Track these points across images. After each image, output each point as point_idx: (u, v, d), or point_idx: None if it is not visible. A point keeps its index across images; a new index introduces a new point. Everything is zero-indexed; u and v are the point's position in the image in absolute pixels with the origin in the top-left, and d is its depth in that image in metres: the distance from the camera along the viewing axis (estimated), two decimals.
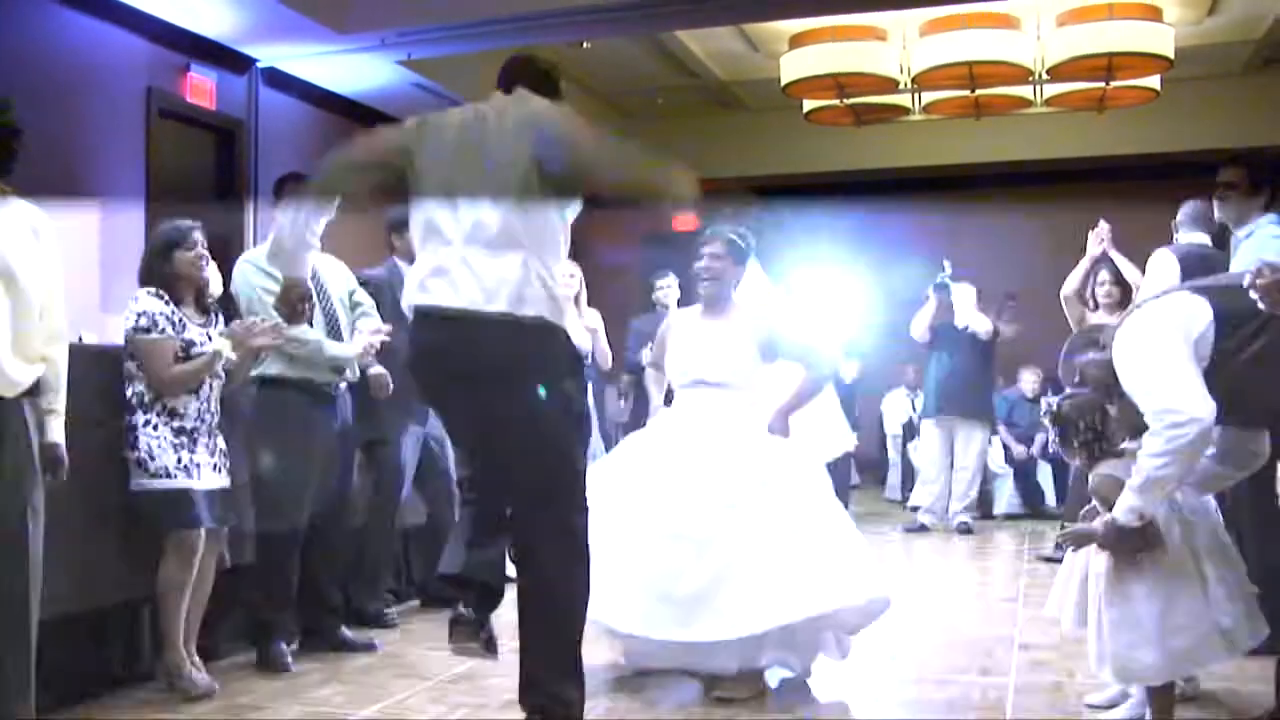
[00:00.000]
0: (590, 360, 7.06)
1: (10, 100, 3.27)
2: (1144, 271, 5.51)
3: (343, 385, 5.03)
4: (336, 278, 5.16)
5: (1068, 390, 3.81)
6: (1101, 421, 3.66)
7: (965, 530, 8.84)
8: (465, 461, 4.58)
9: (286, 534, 4.76)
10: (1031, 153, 11.43)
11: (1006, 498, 10.09)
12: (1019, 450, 9.95)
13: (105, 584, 4.31)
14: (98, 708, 4.15)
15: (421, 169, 3.50)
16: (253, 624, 4.85)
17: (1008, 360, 9.92)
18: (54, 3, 6.54)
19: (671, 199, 3.85)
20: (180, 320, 4.35)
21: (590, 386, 7.30)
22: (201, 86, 7.61)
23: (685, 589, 4.12)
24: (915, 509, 9.26)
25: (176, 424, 4.30)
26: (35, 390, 3.31)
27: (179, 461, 4.27)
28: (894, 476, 11.45)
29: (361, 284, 5.36)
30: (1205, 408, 3.30)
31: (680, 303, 7.63)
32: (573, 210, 3.69)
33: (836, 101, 9.71)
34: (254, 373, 4.72)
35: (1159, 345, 3.45)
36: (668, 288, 7.95)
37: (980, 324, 8.69)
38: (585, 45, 9.62)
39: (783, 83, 9.37)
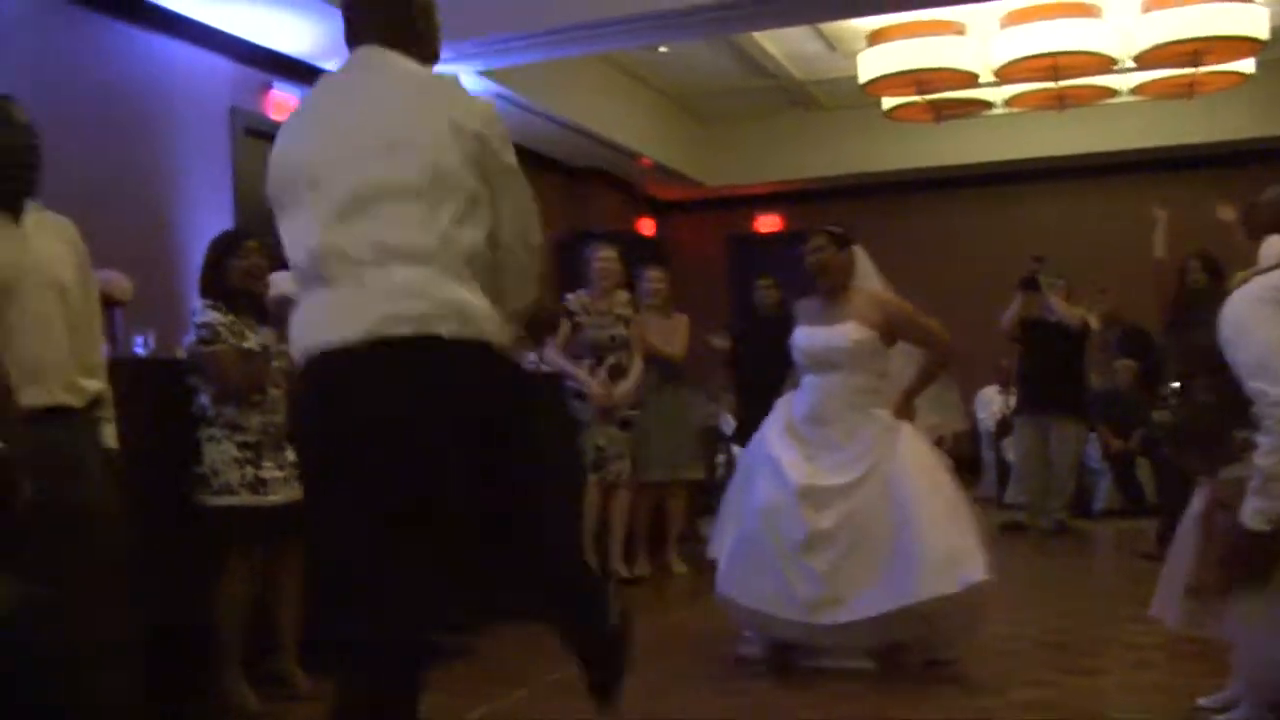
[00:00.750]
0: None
1: (18, 121, 3.26)
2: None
3: None
4: None
5: (1172, 386, 3.73)
6: (1217, 425, 3.55)
7: (1062, 528, 8.66)
8: None
9: None
10: (1118, 143, 11.25)
11: (1105, 494, 9.87)
12: (1116, 445, 9.74)
13: (168, 600, 4.27)
14: None
15: None
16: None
17: (1102, 353, 9.73)
18: (136, 28, 6.64)
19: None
20: (239, 329, 4.37)
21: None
22: (284, 103, 7.69)
23: (819, 570, 4.37)
24: (1011, 507, 9.09)
25: (240, 438, 4.31)
26: (96, 401, 3.37)
27: (243, 478, 4.28)
28: (988, 475, 11.28)
29: None
30: None
31: (778, 304, 7.77)
32: None
33: (916, 98, 9.60)
34: None
35: (1261, 321, 3.35)
36: (767, 288, 7.95)
37: (1071, 318, 8.53)
38: (662, 50, 9.62)
39: (861, 81, 9.29)
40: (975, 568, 4.26)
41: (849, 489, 4.45)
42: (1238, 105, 10.29)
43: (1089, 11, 8.60)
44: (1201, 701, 3.91)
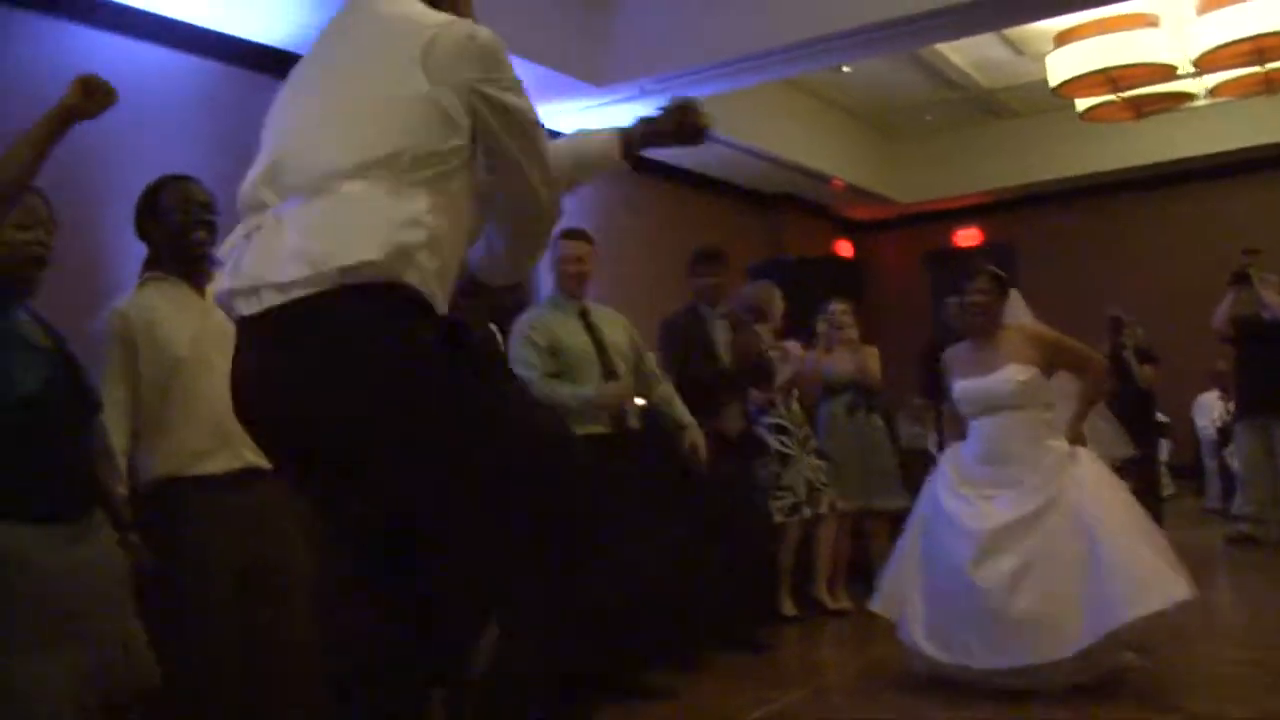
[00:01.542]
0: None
1: (199, 199, 3.47)
2: None
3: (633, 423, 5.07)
4: (615, 328, 5.20)
5: None
6: None
7: None
8: None
9: None
10: None
11: None
12: None
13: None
14: None
15: None
16: None
17: None
18: None
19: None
20: None
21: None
22: None
23: (1014, 612, 4.30)
24: (1238, 519, 8.68)
25: None
26: None
27: None
28: (1213, 485, 10.80)
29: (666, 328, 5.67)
30: None
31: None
32: None
33: (1112, 96, 9.29)
34: None
35: None
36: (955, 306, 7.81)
37: None
38: (845, 70, 9.57)
39: (1052, 84, 9.06)
40: (1179, 586, 4.15)
41: (1032, 520, 4.41)
42: None
43: None
44: None
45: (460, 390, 2.10)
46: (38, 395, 2.75)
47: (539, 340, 4.90)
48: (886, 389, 7.39)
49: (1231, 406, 9.49)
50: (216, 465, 3.33)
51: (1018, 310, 4.98)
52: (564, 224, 4.21)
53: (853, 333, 7.15)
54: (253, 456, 3.31)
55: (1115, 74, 8.76)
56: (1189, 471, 11.23)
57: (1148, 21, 8.58)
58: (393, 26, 2.24)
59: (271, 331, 2.10)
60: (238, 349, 2.21)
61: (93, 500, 2.92)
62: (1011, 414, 4.68)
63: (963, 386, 4.83)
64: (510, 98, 2.22)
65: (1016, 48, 9.62)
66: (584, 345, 4.94)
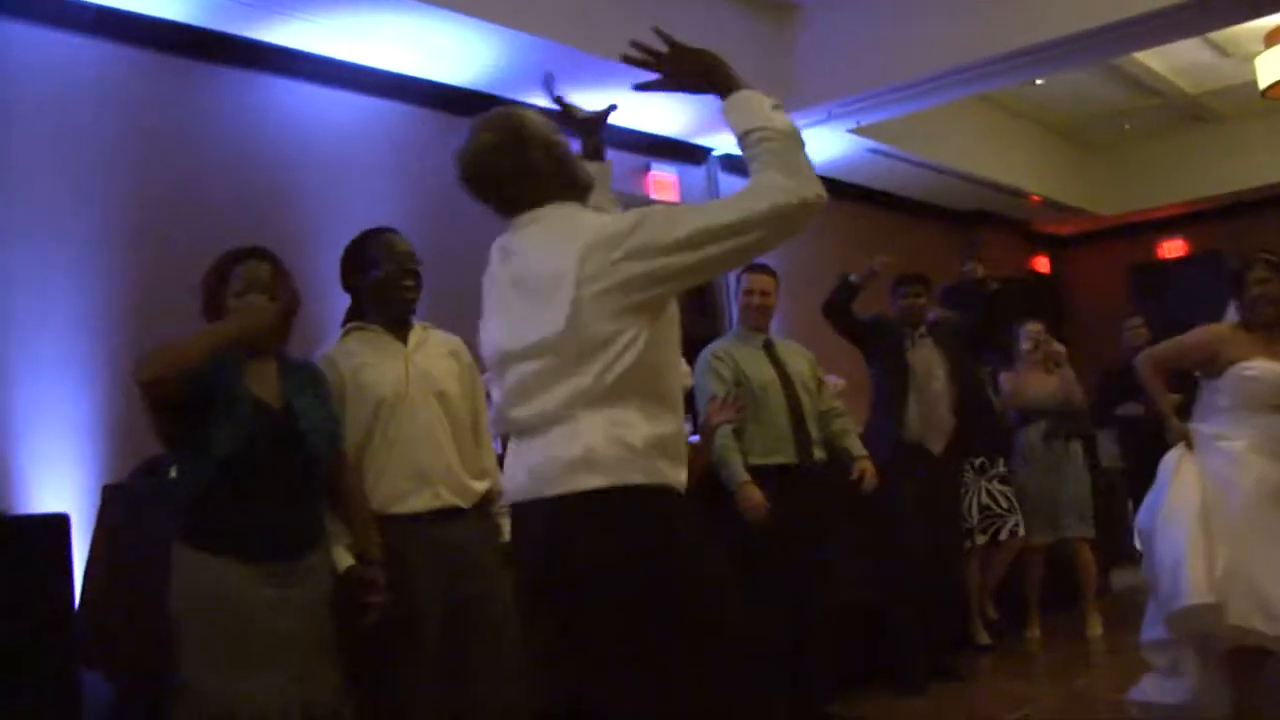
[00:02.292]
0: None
1: (400, 250, 3.60)
2: None
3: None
4: (798, 360, 5.23)
5: None
6: None
7: None
8: None
9: None
10: None
11: None
12: None
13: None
14: None
15: None
16: None
17: None
18: None
19: None
20: None
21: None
22: (664, 182, 7.97)
23: None
24: None
25: None
26: (486, 499, 3.62)
27: None
28: None
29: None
30: None
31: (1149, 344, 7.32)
32: None
33: None
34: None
35: None
36: (1136, 329, 7.52)
37: None
38: (1038, 82, 9.33)
39: (1261, 86, 8.67)
40: None
41: None
42: None
43: None
44: None
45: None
46: (228, 458, 2.97)
47: (724, 372, 4.99)
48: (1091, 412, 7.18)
49: None
50: (417, 504, 3.44)
51: None
52: None
53: (1056, 349, 6.95)
54: (450, 496, 3.44)
55: None
56: None
57: None
58: None
59: None
60: None
61: (307, 545, 3.09)
62: None
63: (1262, 366, 4.41)
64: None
65: (1222, 50, 9.24)
66: (769, 377, 4.99)
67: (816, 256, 8.73)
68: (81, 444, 4.70)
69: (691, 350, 5.20)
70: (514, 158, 2.53)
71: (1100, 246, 12.68)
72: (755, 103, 2.43)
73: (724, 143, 8.18)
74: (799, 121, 7.86)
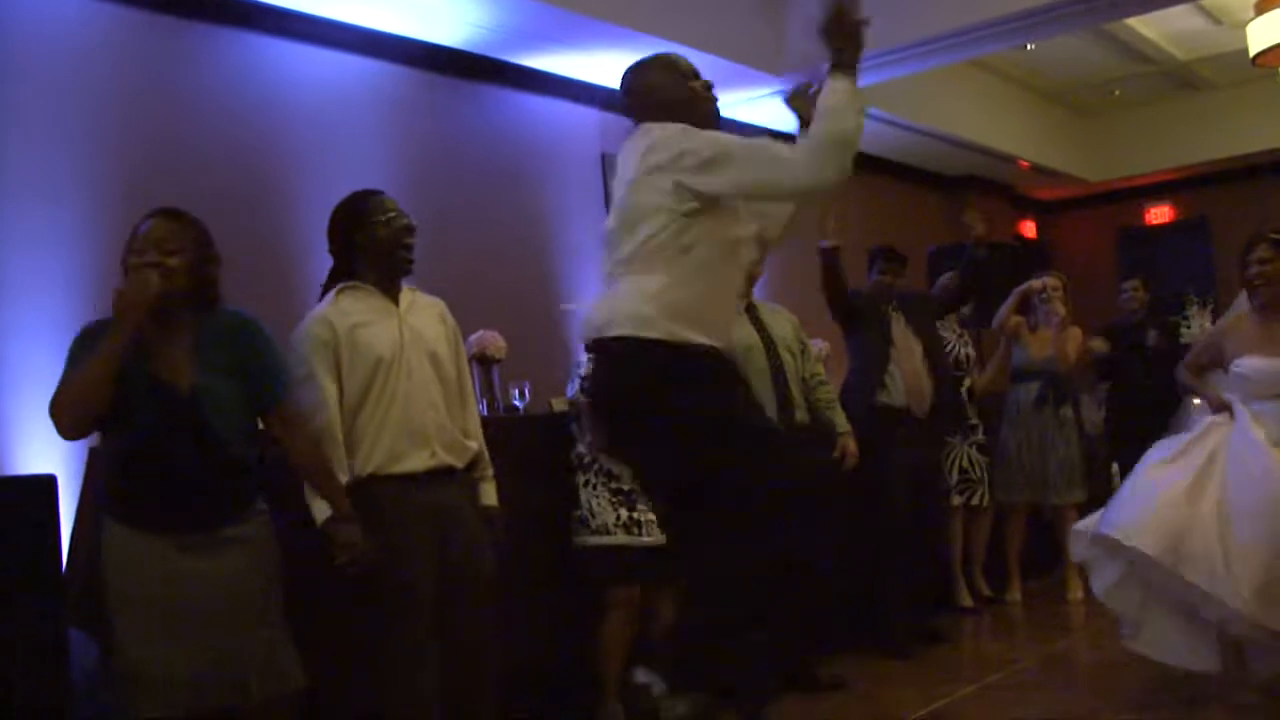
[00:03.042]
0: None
1: (391, 212, 3.63)
2: None
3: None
4: (783, 324, 5.25)
5: None
6: None
7: None
8: None
9: None
10: None
11: None
12: None
13: (552, 636, 4.55)
14: None
15: None
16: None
17: None
18: (511, 90, 7.02)
19: None
20: None
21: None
22: None
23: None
24: None
25: (614, 485, 4.50)
26: (473, 462, 3.68)
27: (619, 519, 4.44)
28: None
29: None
30: None
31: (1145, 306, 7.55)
32: None
33: None
34: None
35: None
36: (1135, 289, 7.58)
37: None
38: (1029, 47, 9.30)
39: (1251, 53, 8.65)
40: None
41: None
42: None
43: None
44: None
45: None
46: (142, 434, 3.03)
47: None
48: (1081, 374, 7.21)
49: None
50: (415, 464, 3.46)
51: None
52: None
53: (1061, 309, 6.96)
54: (445, 455, 3.48)
55: None
56: None
57: None
58: None
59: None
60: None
61: (223, 517, 3.14)
62: None
63: (1252, 365, 4.47)
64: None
65: (1214, 17, 9.24)
66: (751, 340, 5.00)
67: (803, 218, 8.74)
68: None
69: None
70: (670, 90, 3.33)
71: (1087, 212, 12.70)
72: (850, 97, 3.02)
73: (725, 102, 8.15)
74: (789, 84, 7.87)
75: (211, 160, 5.45)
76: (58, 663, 3.10)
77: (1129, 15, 8.51)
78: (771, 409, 4.90)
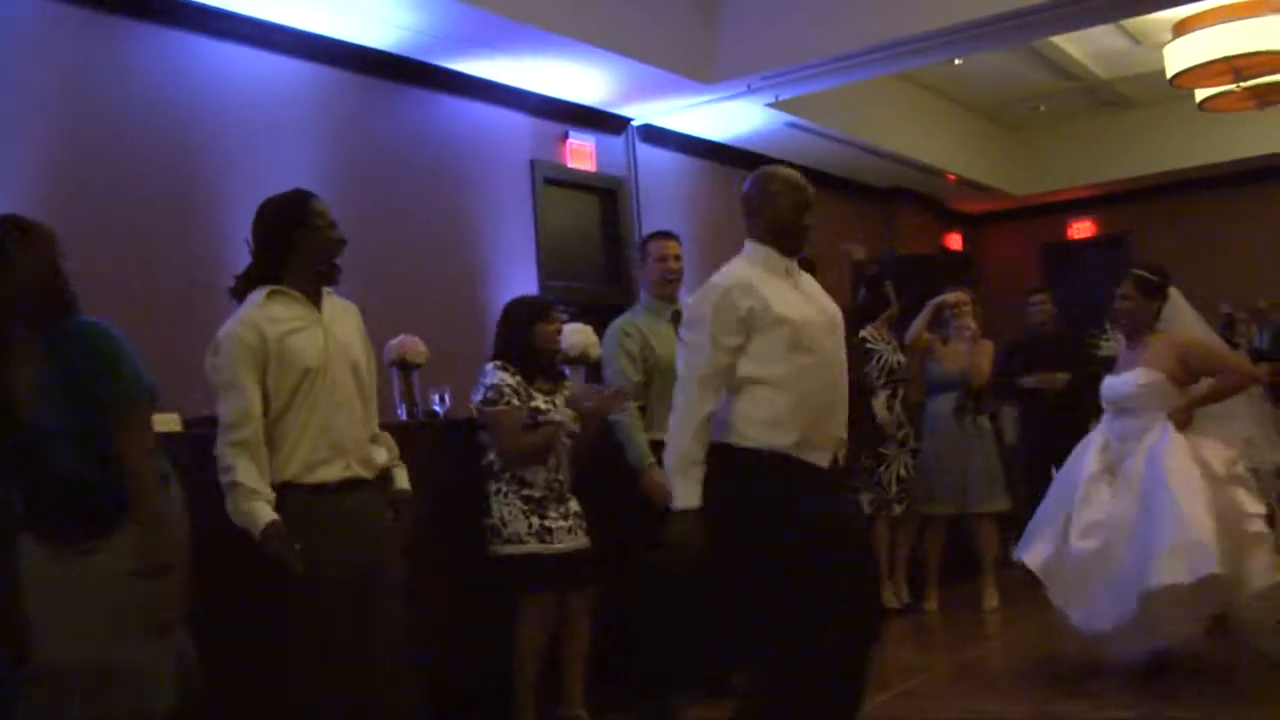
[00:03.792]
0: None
1: (325, 216, 3.59)
2: None
3: None
4: None
5: None
6: None
7: None
8: None
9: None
10: None
11: None
12: None
13: (467, 645, 4.57)
14: None
15: None
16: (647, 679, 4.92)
17: None
18: (442, 94, 7.02)
19: None
20: (527, 391, 4.54)
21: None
22: (582, 150, 7.97)
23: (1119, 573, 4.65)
24: None
25: (526, 492, 4.49)
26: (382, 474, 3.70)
27: (530, 527, 4.45)
28: None
29: None
30: None
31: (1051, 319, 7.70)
32: None
33: (1233, 86, 9.03)
34: None
35: None
36: (1042, 303, 7.71)
37: None
38: (957, 62, 9.43)
39: (1169, 75, 8.84)
40: (1208, 559, 4.34)
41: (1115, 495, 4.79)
42: None
43: None
44: None
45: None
46: None
47: (630, 347, 4.99)
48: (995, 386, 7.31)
49: None
50: (329, 474, 3.46)
51: (1180, 309, 5.13)
52: (659, 224, 4.26)
53: (971, 323, 7.06)
54: (359, 467, 3.52)
55: (1237, 63, 8.49)
56: None
57: (1271, 7, 8.32)
58: None
59: None
60: None
61: (94, 530, 3.16)
62: (1133, 419, 4.89)
63: (1106, 381, 5.08)
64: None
65: (1134, 38, 9.41)
66: (673, 353, 4.98)
67: (734, 228, 8.81)
68: None
69: (604, 318, 5.27)
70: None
71: (1013, 225, 12.88)
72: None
73: (643, 112, 8.21)
74: (719, 93, 7.97)
75: (141, 158, 5.41)
76: None
77: (1054, 33, 8.66)
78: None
